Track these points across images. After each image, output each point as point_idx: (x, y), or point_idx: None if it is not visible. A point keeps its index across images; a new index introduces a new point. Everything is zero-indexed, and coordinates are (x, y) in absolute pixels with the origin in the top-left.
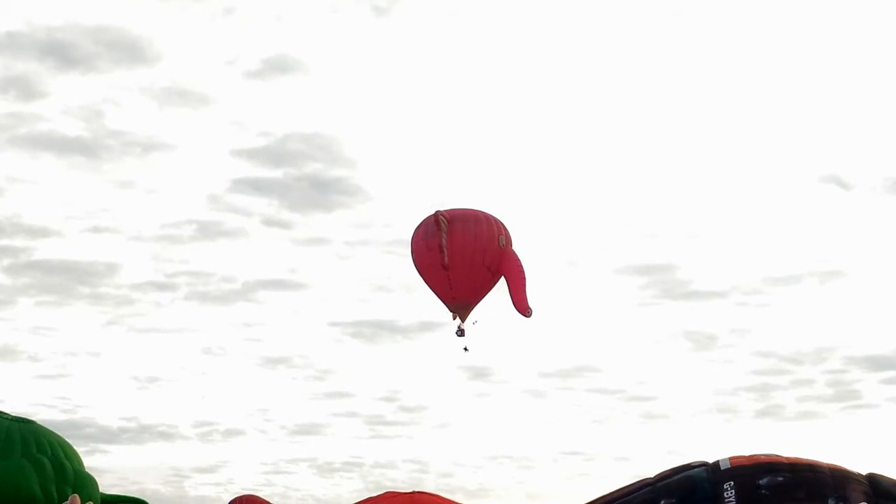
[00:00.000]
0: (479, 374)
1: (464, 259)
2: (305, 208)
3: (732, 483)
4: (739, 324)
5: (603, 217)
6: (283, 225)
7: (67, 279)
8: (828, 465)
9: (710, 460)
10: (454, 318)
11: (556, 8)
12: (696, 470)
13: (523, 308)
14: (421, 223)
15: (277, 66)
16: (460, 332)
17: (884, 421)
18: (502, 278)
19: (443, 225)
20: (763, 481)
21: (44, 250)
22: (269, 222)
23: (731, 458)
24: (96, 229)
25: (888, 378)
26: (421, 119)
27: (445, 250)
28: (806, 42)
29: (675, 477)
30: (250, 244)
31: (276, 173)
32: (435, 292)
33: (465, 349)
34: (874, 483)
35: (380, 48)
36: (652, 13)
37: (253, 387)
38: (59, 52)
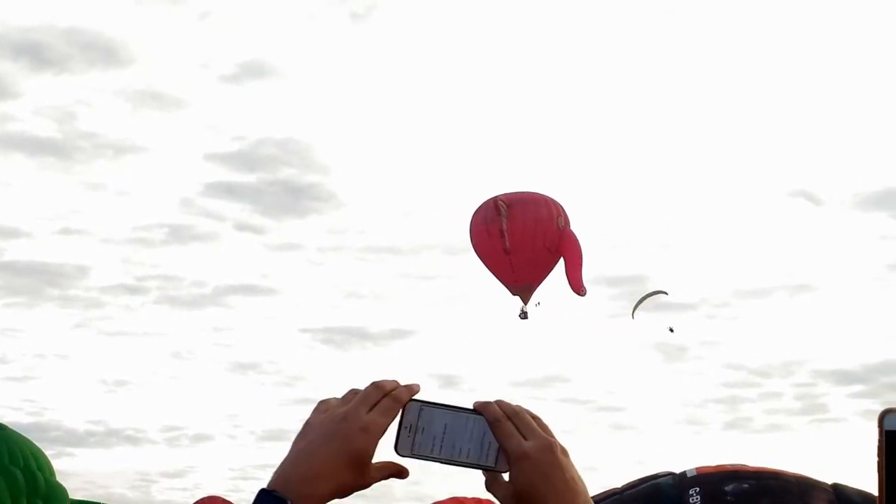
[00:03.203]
0: (450, 382)
1: (524, 243)
2: (278, 213)
3: (698, 489)
4: (709, 336)
5: (574, 227)
6: (256, 230)
7: (36, 281)
8: (793, 474)
9: (678, 470)
10: (527, 304)
11: (535, 17)
12: (662, 479)
13: (577, 286)
14: (479, 208)
15: (253, 71)
16: (523, 315)
17: (850, 434)
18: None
19: (502, 210)
20: (728, 488)
21: (13, 251)
22: (242, 227)
23: (697, 468)
24: (66, 231)
25: (855, 392)
26: (396, 126)
27: (506, 235)
28: (779, 58)
29: (642, 486)
30: (222, 249)
31: (250, 178)
32: (497, 276)
33: (671, 329)
34: (839, 492)
35: (356, 54)
36: (642, 16)
37: (222, 392)
38: (33, 53)
